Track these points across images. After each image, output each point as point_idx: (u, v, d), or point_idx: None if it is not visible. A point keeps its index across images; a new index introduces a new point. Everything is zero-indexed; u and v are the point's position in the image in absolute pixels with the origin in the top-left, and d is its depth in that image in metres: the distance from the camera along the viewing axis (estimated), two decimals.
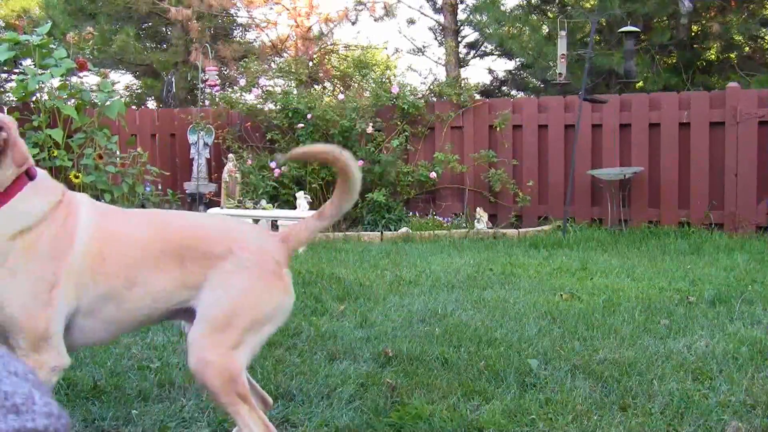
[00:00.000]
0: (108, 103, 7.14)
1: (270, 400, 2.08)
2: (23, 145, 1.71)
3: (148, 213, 2.00)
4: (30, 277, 1.66)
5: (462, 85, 8.56)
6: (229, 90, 9.85)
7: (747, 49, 12.60)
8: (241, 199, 7.52)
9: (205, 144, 8.66)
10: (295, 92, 8.48)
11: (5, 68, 14.55)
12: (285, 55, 14.39)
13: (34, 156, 6.72)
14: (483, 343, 3.05)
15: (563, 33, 8.14)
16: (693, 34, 11.90)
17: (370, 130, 7.90)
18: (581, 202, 7.69)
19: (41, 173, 1.78)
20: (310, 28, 14.86)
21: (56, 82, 7.00)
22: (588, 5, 12.55)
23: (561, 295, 4.10)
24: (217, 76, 9.46)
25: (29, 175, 1.74)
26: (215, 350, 1.71)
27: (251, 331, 1.75)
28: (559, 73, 8.19)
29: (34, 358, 1.65)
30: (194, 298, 1.78)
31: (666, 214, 7.39)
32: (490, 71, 16.91)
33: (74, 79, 7.28)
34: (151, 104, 17.20)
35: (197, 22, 14.01)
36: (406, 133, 8.13)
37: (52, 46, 6.99)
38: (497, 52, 16.54)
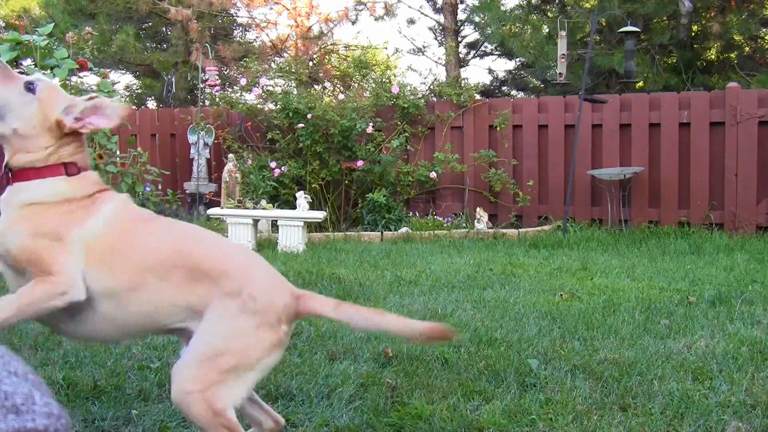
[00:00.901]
0: None
1: (282, 420, 2.03)
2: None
3: (180, 227, 1.94)
4: (35, 224, 1.75)
5: (462, 85, 8.56)
6: (229, 90, 9.86)
7: (747, 49, 12.59)
8: (241, 199, 7.51)
9: (205, 144, 8.67)
10: (295, 92, 8.48)
11: None
12: (285, 55, 14.39)
13: None
14: (483, 343, 3.05)
15: (563, 33, 8.13)
16: (693, 34, 11.90)
17: (370, 130, 7.90)
18: (581, 202, 7.69)
19: (88, 174, 1.87)
20: (310, 28, 14.86)
21: (56, 82, 7.00)
22: (588, 5, 12.55)
23: (561, 295, 4.10)
24: (217, 76, 9.46)
25: (67, 171, 1.82)
26: (195, 383, 1.69)
27: (233, 374, 1.72)
28: (560, 73, 8.19)
29: (42, 278, 1.72)
30: (192, 323, 1.78)
31: (666, 214, 7.39)
32: (490, 71, 16.97)
33: (74, 79, 7.28)
34: (151, 104, 17.20)
35: (197, 22, 14.01)
36: (406, 133, 8.13)
37: (53, 46, 6.99)
38: (497, 52, 16.56)
